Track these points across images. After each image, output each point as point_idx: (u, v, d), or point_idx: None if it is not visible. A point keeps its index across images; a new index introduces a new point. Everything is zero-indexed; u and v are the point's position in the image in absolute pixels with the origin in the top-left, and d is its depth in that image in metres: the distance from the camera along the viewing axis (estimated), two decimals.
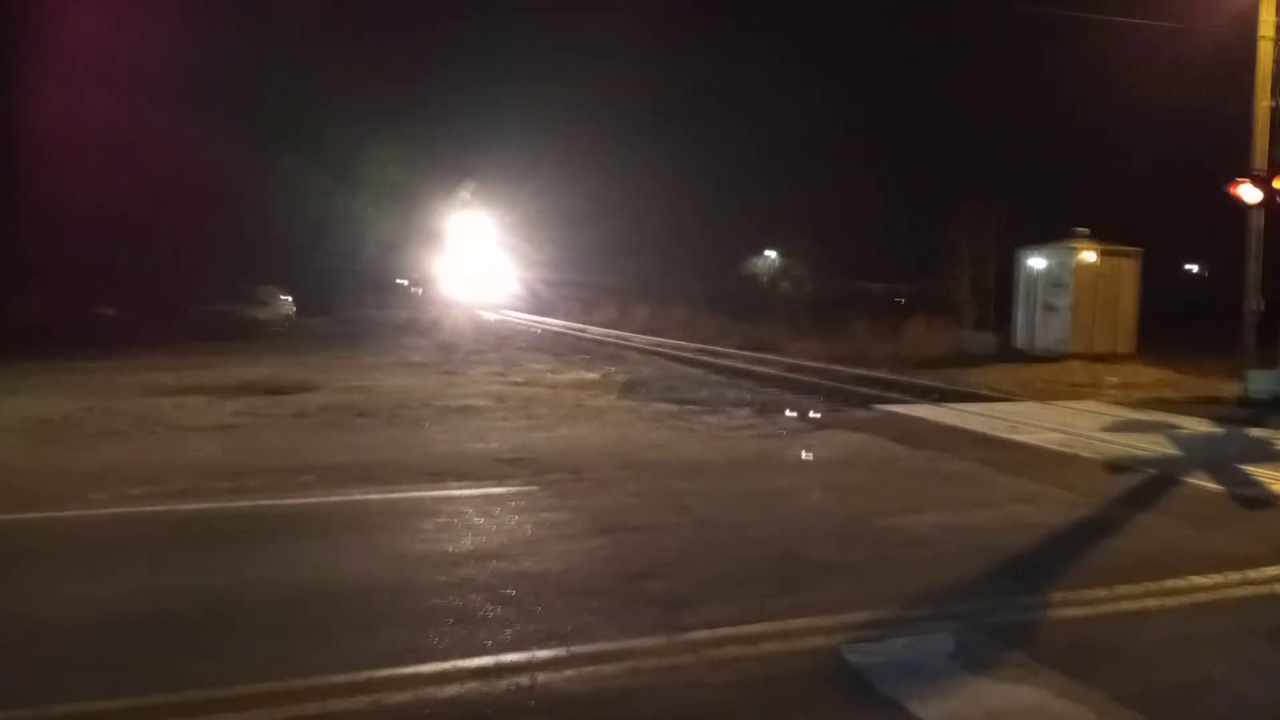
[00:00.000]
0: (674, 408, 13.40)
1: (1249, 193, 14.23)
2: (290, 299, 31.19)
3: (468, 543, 6.02)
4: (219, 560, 5.60)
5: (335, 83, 42.19)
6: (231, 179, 32.20)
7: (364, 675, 3.98)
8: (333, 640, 4.40)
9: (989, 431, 10.95)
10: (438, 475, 8.04)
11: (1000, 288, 27.19)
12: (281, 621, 4.65)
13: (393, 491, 7.44)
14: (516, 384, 16.22)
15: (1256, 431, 11.36)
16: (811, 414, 12.96)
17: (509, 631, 4.49)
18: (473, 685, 3.94)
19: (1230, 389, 15.08)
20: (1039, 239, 24.33)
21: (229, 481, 7.64)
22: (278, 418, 11.52)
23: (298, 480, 7.76)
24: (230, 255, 32.33)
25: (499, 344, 28.53)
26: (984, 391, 16.04)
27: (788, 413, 13.02)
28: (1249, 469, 8.82)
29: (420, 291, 60.20)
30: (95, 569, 5.44)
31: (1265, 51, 16.67)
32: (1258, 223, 16.63)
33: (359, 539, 6.13)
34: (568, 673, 4.05)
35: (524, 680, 3.98)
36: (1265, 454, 9.70)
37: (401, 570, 5.45)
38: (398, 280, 59.42)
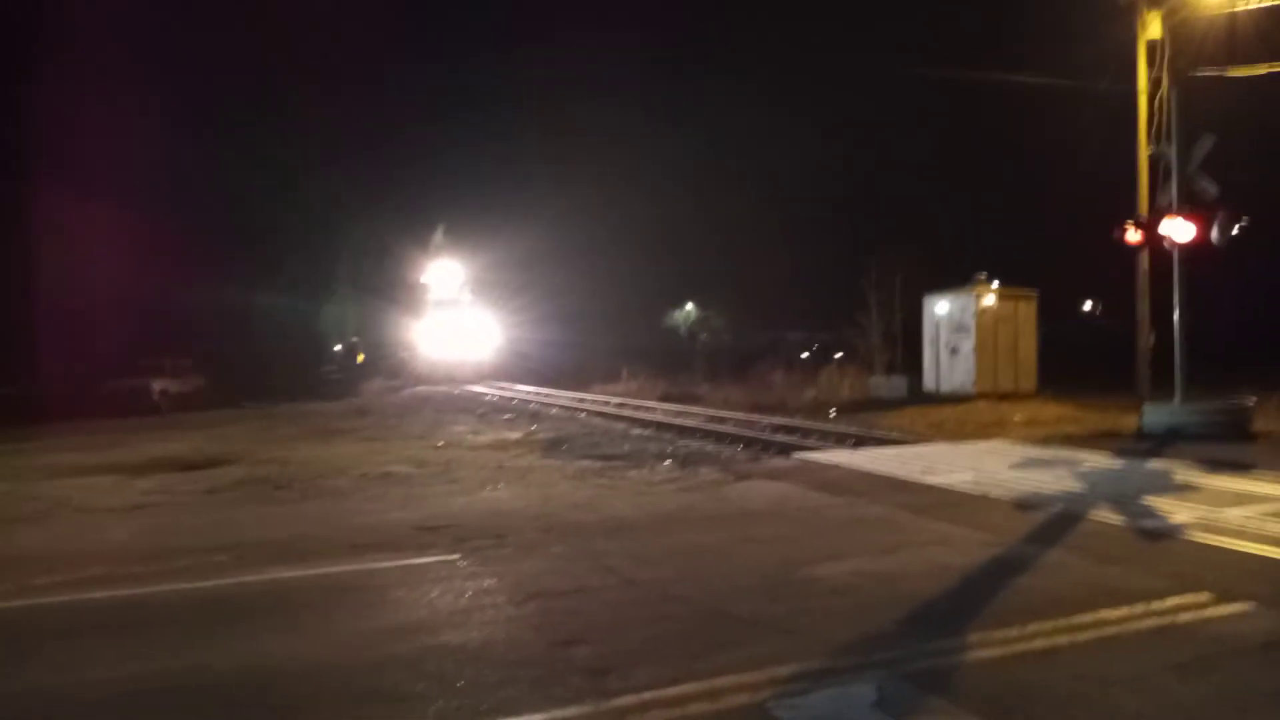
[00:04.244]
0: (597, 464, 13.43)
1: (1132, 235, 15.01)
2: (199, 375, 30.67)
3: (389, 618, 5.93)
4: (129, 651, 5.40)
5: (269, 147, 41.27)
6: (147, 254, 31.50)
7: None
8: None
9: (903, 475, 11.22)
10: (358, 548, 7.90)
11: (909, 333, 28.04)
12: (194, 712, 4.51)
13: (312, 568, 7.27)
14: (438, 448, 16.05)
15: (1154, 463, 11.86)
16: (733, 465, 13.12)
17: (432, 709, 4.43)
18: None
19: (1127, 423, 15.70)
20: (944, 285, 25.22)
21: (139, 566, 7.39)
22: (191, 495, 11.20)
23: (212, 561, 7.54)
24: (145, 330, 31.58)
25: (420, 406, 28.21)
26: (897, 435, 16.42)
27: (710, 464, 13.15)
28: (1148, 501, 9.21)
29: (363, 359, 56.65)
30: None
31: (1144, 106, 17.81)
32: (1146, 264, 17.59)
33: (278, 620, 5.98)
34: None
35: None
36: (1163, 486, 10.13)
37: (321, 651, 5.33)
38: (337, 348, 56.76)
